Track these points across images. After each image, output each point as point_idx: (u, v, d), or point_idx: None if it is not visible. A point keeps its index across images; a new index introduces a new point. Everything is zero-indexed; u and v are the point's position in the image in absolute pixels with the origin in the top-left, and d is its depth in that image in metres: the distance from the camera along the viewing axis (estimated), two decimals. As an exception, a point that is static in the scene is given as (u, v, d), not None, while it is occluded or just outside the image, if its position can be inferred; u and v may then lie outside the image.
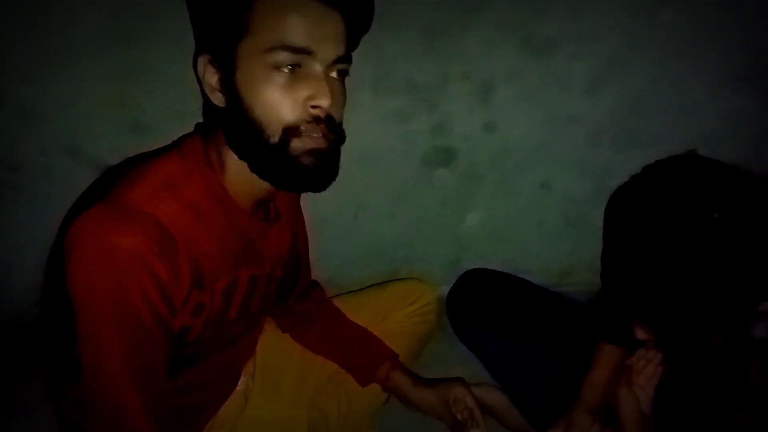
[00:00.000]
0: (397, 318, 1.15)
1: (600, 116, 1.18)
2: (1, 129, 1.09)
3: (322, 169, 0.74)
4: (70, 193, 1.11)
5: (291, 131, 0.70)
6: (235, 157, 0.75)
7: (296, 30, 0.68)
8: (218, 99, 0.73)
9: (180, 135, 0.89)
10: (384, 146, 1.15)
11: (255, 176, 0.76)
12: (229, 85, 0.71)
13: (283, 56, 0.68)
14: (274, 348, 1.08)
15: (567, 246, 1.38)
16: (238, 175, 0.77)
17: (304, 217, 1.03)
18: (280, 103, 0.69)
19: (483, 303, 1.23)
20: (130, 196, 0.69)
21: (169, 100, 1.07)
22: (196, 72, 0.76)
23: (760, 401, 0.85)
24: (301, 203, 1.02)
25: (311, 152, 0.72)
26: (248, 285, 0.85)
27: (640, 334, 0.89)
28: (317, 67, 0.70)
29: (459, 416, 1.04)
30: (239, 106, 0.71)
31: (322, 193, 0.84)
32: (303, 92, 0.70)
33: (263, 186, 0.78)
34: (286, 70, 0.69)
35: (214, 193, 0.76)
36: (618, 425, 1.00)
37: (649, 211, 0.79)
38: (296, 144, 0.71)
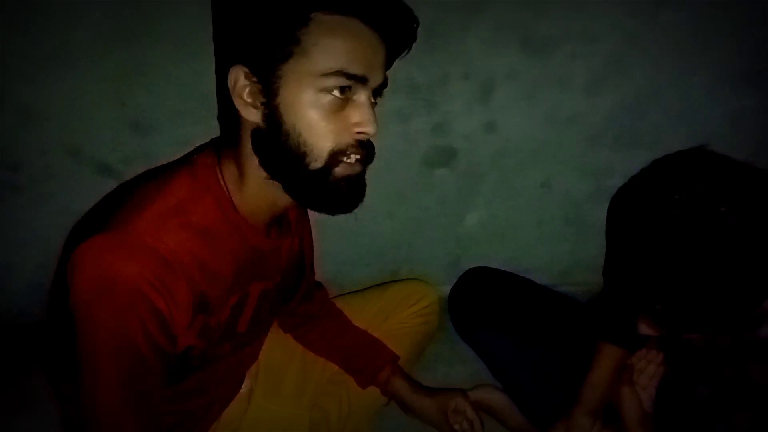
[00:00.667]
0: (398, 319, 1.15)
1: (600, 116, 1.18)
2: (1, 129, 1.09)
3: (357, 193, 0.74)
4: (70, 193, 1.12)
5: (336, 157, 0.70)
6: (258, 174, 0.73)
7: (354, 57, 0.67)
8: (252, 114, 0.70)
9: (184, 136, 0.89)
10: (384, 146, 1.14)
11: (277, 193, 0.74)
12: (268, 102, 0.68)
13: (339, 82, 0.67)
14: (276, 349, 1.08)
15: (567, 246, 1.38)
16: (259, 192, 0.75)
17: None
18: (328, 127, 0.68)
19: (485, 302, 1.23)
20: (135, 226, 0.67)
21: (169, 100, 1.07)
22: (219, 82, 0.73)
23: (762, 402, 0.85)
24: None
25: (348, 178, 0.72)
26: (258, 299, 0.84)
27: (645, 329, 0.88)
28: (364, 94, 0.70)
29: (456, 427, 1.04)
30: (279, 126, 0.68)
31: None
32: (352, 118, 0.69)
33: (284, 202, 0.77)
34: (336, 93, 0.68)
35: (226, 216, 0.74)
36: (618, 425, 1.00)
37: (655, 205, 0.78)
38: (338, 170, 0.71)
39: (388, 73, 0.76)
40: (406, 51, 0.76)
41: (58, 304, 0.76)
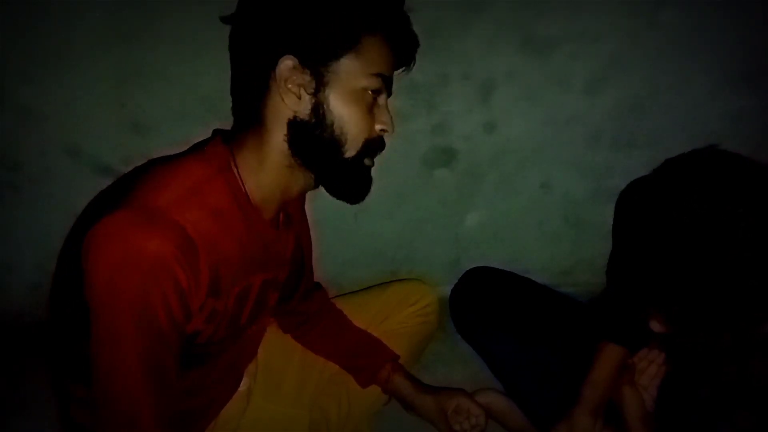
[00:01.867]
0: (398, 319, 1.15)
1: (600, 116, 1.18)
2: (1, 129, 1.09)
3: (369, 184, 0.83)
4: (70, 193, 1.12)
5: (367, 146, 0.79)
6: (280, 162, 0.78)
7: (388, 66, 0.79)
8: (294, 104, 0.75)
9: (184, 136, 0.90)
10: (384, 146, 1.15)
11: (292, 181, 0.80)
12: (315, 93, 0.75)
13: (379, 83, 0.77)
14: (276, 349, 1.08)
15: (567, 246, 1.38)
16: (275, 179, 0.79)
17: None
18: (365, 121, 0.78)
19: (486, 302, 1.23)
20: (156, 202, 0.68)
21: (169, 100, 1.07)
22: (246, 72, 0.78)
23: (763, 400, 0.85)
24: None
25: (368, 169, 0.82)
26: (260, 290, 0.85)
27: (657, 327, 0.88)
28: (384, 98, 0.81)
29: (457, 427, 1.04)
30: (323, 116, 0.75)
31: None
32: (381, 117, 0.80)
33: (295, 191, 0.82)
34: (371, 93, 0.77)
35: (237, 201, 0.76)
36: (619, 424, 1.00)
37: (673, 207, 0.78)
38: (365, 161, 0.80)
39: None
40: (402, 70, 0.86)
41: (64, 296, 0.76)
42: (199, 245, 0.69)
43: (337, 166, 0.78)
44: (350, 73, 0.75)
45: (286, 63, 0.74)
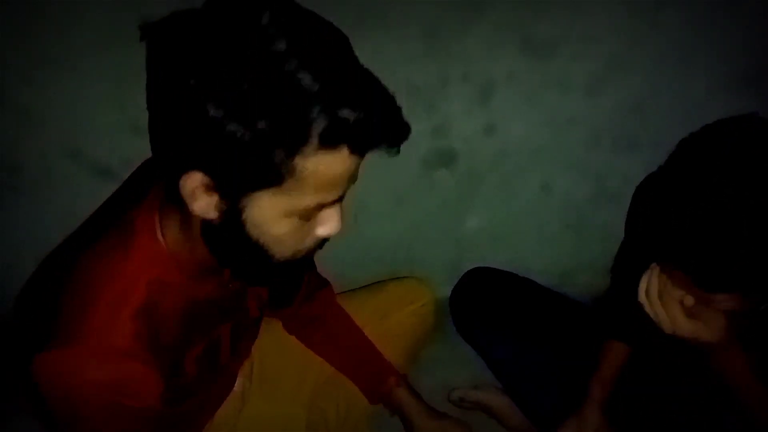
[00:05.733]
0: (395, 317, 1.14)
1: (600, 118, 1.18)
2: (1, 131, 1.09)
3: (299, 267, 0.71)
4: (70, 195, 1.12)
5: (296, 255, 0.67)
6: (202, 243, 0.67)
7: (334, 187, 0.61)
8: (203, 212, 0.61)
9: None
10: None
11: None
12: (229, 211, 0.61)
13: (326, 199, 0.61)
14: (273, 349, 1.07)
15: (567, 248, 1.38)
16: (207, 255, 0.68)
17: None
18: (294, 238, 0.64)
19: (487, 302, 1.23)
20: (87, 332, 0.64)
21: (169, 101, 1.07)
22: (167, 176, 0.63)
23: None
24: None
25: (297, 259, 0.68)
26: (232, 335, 0.85)
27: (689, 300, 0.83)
28: (335, 203, 0.65)
29: None
30: (239, 232, 0.62)
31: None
32: (319, 229, 0.66)
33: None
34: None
35: (171, 284, 0.70)
36: (621, 423, 1.00)
37: (716, 174, 0.76)
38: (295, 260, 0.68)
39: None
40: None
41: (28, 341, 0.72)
42: (141, 356, 0.66)
43: (256, 269, 0.69)
44: (273, 205, 0.59)
45: (192, 178, 0.58)
